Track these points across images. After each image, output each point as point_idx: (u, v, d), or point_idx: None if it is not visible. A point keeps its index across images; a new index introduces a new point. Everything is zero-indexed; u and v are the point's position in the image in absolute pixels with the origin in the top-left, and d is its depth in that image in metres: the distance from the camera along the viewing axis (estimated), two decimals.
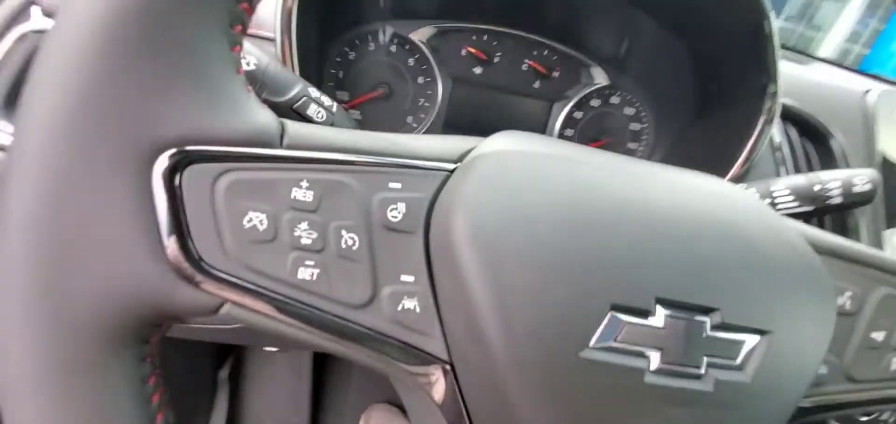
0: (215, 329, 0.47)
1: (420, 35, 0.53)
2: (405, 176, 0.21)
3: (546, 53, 0.56)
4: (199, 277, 0.18)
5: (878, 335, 0.26)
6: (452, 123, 0.57)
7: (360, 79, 0.54)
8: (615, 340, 0.20)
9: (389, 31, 0.53)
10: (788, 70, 0.59)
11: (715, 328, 0.21)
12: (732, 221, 0.23)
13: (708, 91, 0.54)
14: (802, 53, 0.68)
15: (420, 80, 0.55)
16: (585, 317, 0.20)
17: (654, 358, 0.20)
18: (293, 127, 0.20)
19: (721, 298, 0.21)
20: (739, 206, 0.24)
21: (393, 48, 0.53)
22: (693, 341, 0.21)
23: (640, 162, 0.27)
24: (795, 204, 0.41)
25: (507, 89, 0.57)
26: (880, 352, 0.26)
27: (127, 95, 0.16)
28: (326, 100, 0.34)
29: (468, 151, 0.22)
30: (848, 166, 0.53)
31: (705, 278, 0.21)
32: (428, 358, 0.21)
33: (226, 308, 0.19)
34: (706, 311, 0.21)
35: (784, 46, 0.67)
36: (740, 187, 0.29)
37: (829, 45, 3.19)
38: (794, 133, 0.53)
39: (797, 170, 0.55)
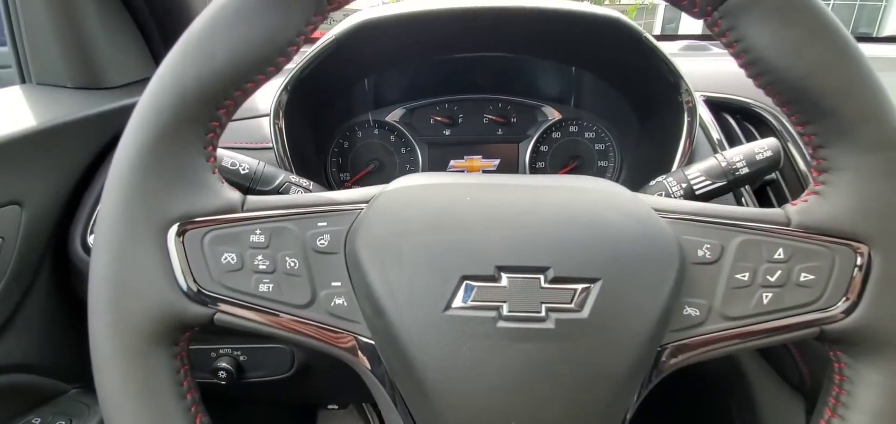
0: (288, 389, 0.58)
1: (394, 117, 0.67)
2: (331, 216, 0.32)
3: (501, 105, 0.67)
4: (198, 296, 0.30)
5: (744, 276, 0.29)
6: None
7: (356, 160, 0.68)
8: (472, 301, 0.29)
9: (371, 119, 0.67)
10: (729, 67, 0.65)
11: (550, 281, 0.28)
12: (569, 201, 0.31)
13: (641, 106, 0.61)
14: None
15: (402, 150, 0.68)
16: (444, 288, 0.29)
17: (504, 309, 0.28)
18: (250, 198, 0.32)
19: (552, 259, 0.29)
20: (585, 195, 0.31)
21: (376, 132, 0.67)
22: (532, 293, 0.28)
23: (508, 178, 0.35)
24: (709, 183, 0.46)
25: (475, 141, 0.68)
26: (749, 290, 0.29)
27: (149, 195, 0.29)
28: (304, 182, 0.47)
29: (376, 195, 0.33)
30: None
31: (539, 247, 0.29)
32: (355, 338, 0.31)
33: (218, 316, 0.31)
34: (540, 270, 0.28)
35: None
36: (608, 182, 0.35)
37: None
38: (733, 123, 0.58)
39: None
